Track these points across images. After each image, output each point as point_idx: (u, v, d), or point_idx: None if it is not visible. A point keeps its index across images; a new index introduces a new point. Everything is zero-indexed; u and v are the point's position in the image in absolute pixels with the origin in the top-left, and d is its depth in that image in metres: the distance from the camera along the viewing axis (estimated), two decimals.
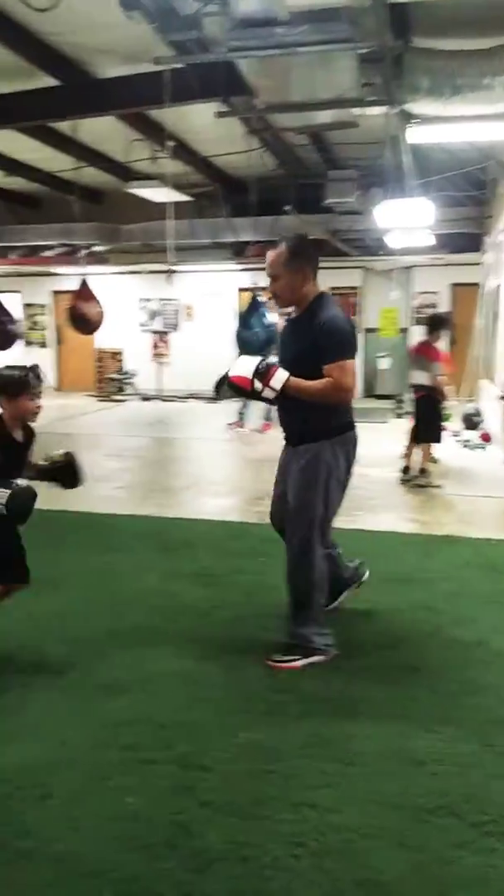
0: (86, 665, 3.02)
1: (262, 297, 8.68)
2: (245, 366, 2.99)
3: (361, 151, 8.29)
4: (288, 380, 2.93)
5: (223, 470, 7.52)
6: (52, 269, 13.53)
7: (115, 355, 14.93)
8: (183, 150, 8.28)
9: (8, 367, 2.94)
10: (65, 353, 15.35)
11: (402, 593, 3.84)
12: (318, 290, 3.05)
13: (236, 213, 10.39)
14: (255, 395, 3.01)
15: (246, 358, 3.09)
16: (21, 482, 2.74)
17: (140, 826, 2.10)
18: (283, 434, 3.21)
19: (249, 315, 9.15)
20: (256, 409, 9.30)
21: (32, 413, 2.90)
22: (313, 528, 3.01)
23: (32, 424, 2.98)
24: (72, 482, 3.09)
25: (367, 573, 3.59)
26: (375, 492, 6.15)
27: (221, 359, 9.90)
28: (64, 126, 7.55)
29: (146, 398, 13.70)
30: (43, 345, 15.47)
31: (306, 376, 2.91)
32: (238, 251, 11.24)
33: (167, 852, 1.99)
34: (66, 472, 3.06)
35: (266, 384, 2.93)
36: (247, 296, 12.45)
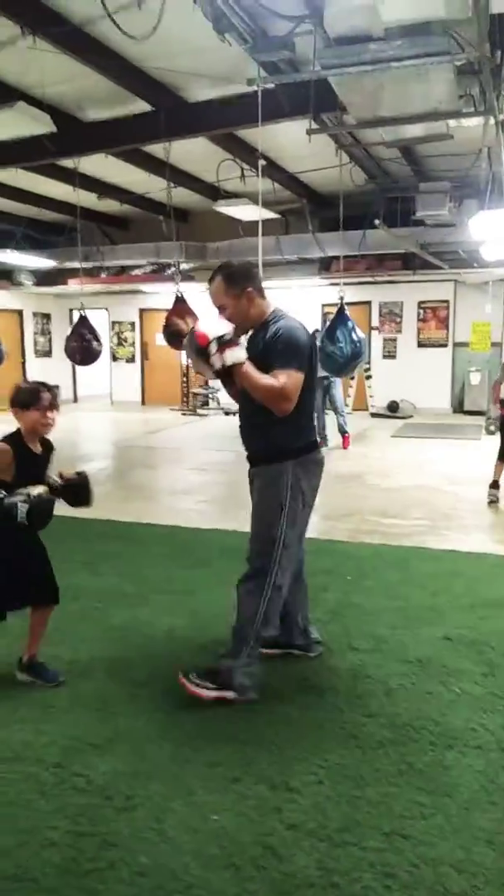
0: (167, 679, 3.01)
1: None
2: (215, 327, 2.75)
3: (454, 163, 8.15)
4: (242, 363, 2.69)
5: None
6: (140, 288, 13.89)
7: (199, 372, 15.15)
8: (271, 168, 8.36)
9: (25, 382, 3.03)
10: (150, 368, 15.70)
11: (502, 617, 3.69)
12: (270, 308, 2.89)
13: (323, 229, 10.40)
14: (203, 357, 2.71)
15: (222, 322, 2.80)
16: (37, 490, 2.76)
17: (226, 844, 2.08)
18: (246, 452, 3.01)
19: (335, 328, 9.09)
20: (334, 425, 9.24)
21: (43, 426, 2.94)
22: (273, 554, 2.81)
23: (50, 438, 3.06)
24: (81, 502, 3.08)
25: (319, 651, 3.26)
26: (465, 511, 5.97)
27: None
28: (156, 149, 7.77)
29: (229, 413, 13.83)
30: (129, 360, 15.88)
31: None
32: (324, 266, 11.23)
33: (255, 873, 1.96)
34: (77, 492, 3.05)
35: (220, 353, 2.69)
36: (331, 311, 12.44)
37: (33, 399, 2.88)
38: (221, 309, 2.86)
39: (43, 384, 2.98)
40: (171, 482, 7.27)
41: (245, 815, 2.20)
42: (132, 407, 15.15)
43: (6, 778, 2.39)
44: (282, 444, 2.83)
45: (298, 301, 13.33)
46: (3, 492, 2.73)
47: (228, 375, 2.77)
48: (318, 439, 3.07)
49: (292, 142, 7.70)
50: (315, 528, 5.51)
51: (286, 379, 2.68)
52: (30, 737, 2.63)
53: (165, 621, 3.66)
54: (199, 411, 14.12)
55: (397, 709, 2.79)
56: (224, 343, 2.70)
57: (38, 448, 2.98)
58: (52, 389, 2.95)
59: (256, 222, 9.68)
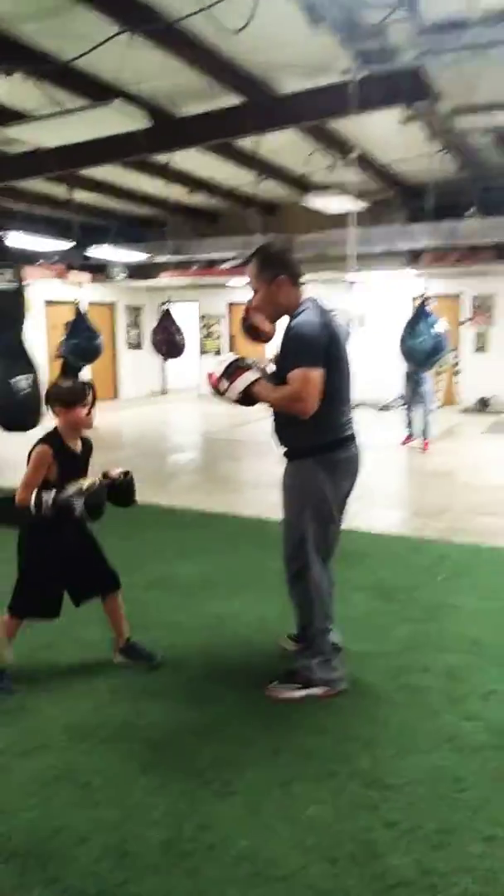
0: (260, 670, 3.05)
1: (431, 305, 8.42)
2: (223, 363, 2.81)
3: None
4: (253, 384, 2.72)
5: (394, 482, 7.38)
6: (228, 281, 14.01)
7: None
8: (360, 158, 8.24)
9: (62, 380, 3.06)
10: None
11: None
12: (300, 298, 2.78)
13: (413, 219, 10.20)
14: (220, 395, 2.80)
15: (229, 355, 2.88)
16: (87, 483, 2.82)
17: (323, 837, 2.10)
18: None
19: (416, 322, 8.90)
20: (419, 422, 9.03)
21: (86, 424, 2.97)
22: (307, 549, 2.79)
23: (88, 434, 3.07)
24: (123, 502, 3.09)
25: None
26: None
27: (392, 368, 9.76)
28: (246, 142, 7.81)
29: None
30: (217, 353, 16.05)
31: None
32: (414, 258, 11.01)
33: (352, 868, 1.97)
34: (119, 492, 3.04)
35: (231, 384, 2.75)
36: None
37: (78, 397, 2.92)
38: (254, 293, 2.83)
39: (83, 382, 3.04)
40: (257, 475, 7.32)
41: (341, 809, 2.21)
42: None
43: (109, 756, 2.49)
44: (304, 441, 2.78)
45: (387, 294, 13.14)
46: (52, 491, 2.79)
47: (249, 398, 2.78)
48: (354, 432, 2.90)
49: (382, 131, 7.58)
50: (406, 525, 5.46)
51: (298, 379, 2.60)
52: (131, 717, 2.73)
53: (257, 612, 3.71)
54: None
55: (496, 713, 2.73)
56: (231, 373, 2.76)
57: (77, 446, 3.00)
58: (91, 387, 3.01)
59: (344, 214, 9.61)
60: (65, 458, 2.90)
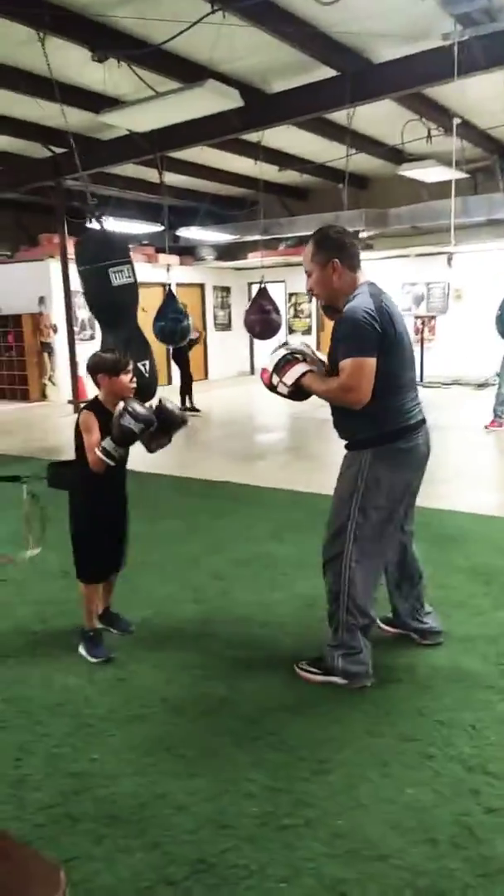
0: None
1: None
2: (274, 357, 2.80)
3: None
4: (303, 376, 2.69)
5: (488, 464, 7.14)
6: None
7: None
8: (461, 125, 7.94)
9: (105, 351, 3.11)
10: (326, 340, 15.66)
11: None
12: (355, 283, 2.66)
13: None
14: (274, 391, 2.81)
15: (280, 349, 2.84)
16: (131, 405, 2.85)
17: (422, 819, 2.07)
18: None
19: None
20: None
21: (129, 390, 3.01)
22: (347, 543, 2.69)
23: None
24: (169, 428, 3.08)
25: (436, 640, 3.08)
26: None
27: (491, 343, 9.40)
28: (338, 115, 7.66)
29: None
30: (306, 332, 15.96)
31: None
32: None
33: (452, 851, 1.94)
34: (164, 420, 3.04)
35: (281, 379, 2.74)
36: None
37: (122, 366, 3.01)
38: (308, 275, 2.77)
39: (124, 352, 3.09)
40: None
41: (440, 793, 2.17)
42: None
43: (205, 729, 2.54)
44: (359, 431, 2.71)
45: (488, 265, 12.64)
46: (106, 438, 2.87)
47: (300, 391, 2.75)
48: (421, 419, 2.76)
49: (484, 96, 7.28)
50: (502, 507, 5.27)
51: (349, 368, 2.54)
52: (225, 693, 2.77)
53: None
54: None
55: None
56: (281, 367, 2.74)
57: None
58: (126, 355, 3.07)
59: (441, 184, 9.29)
60: (109, 423, 2.96)
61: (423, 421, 2.77)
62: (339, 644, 2.77)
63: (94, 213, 5.81)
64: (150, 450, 3.11)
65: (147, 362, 5.64)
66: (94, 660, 3.06)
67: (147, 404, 2.96)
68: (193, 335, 10.58)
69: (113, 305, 5.68)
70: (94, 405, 3.05)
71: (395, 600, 3.09)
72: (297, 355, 2.79)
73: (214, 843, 2.01)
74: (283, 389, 2.77)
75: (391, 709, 2.62)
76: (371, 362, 2.53)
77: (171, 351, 10.74)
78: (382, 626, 3.18)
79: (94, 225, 5.92)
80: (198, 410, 10.51)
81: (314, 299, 12.33)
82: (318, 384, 2.70)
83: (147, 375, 5.61)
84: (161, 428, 3.03)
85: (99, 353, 3.13)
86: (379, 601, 2.92)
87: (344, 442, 2.82)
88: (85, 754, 2.41)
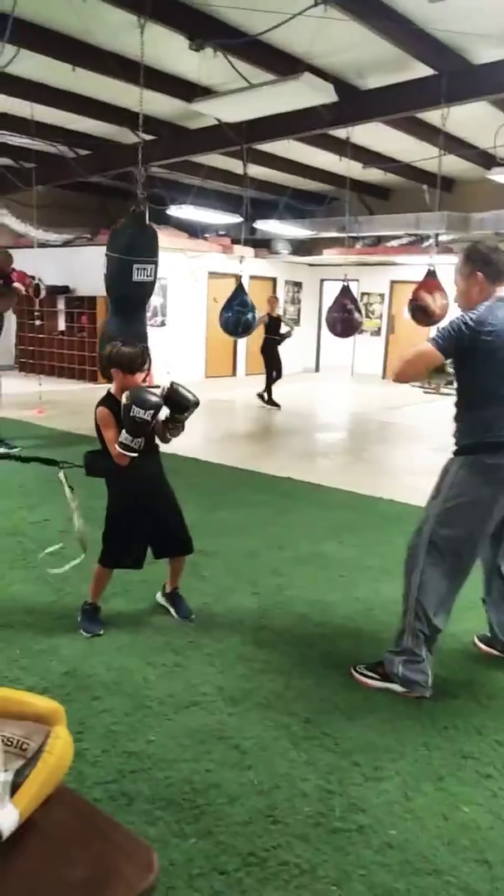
0: None
1: None
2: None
3: None
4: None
5: None
6: (393, 259, 13.68)
7: None
8: None
9: (125, 346, 3.05)
10: (395, 342, 15.48)
11: None
12: (491, 295, 2.68)
13: None
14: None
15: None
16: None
17: (477, 839, 2.03)
18: None
19: None
20: None
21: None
22: (421, 544, 2.69)
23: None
24: (181, 408, 3.06)
25: None
26: None
27: None
28: (430, 115, 7.52)
29: None
30: (375, 333, 15.79)
31: (461, 384, 2.72)
32: None
33: None
34: (174, 401, 3.04)
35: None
36: None
37: (137, 365, 3.01)
38: (456, 286, 2.84)
39: (143, 348, 3.07)
40: (410, 461, 7.15)
41: (496, 813, 2.13)
42: (372, 380, 15.11)
43: (260, 723, 2.55)
44: (458, 438, 2.75)
45: None
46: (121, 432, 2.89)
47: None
48: None
49: None
50: None
51: (416, 347, 2.68)
52: (281, 689, 2.77)
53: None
54: (443, 390, 13.67)
55: None
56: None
57: None
58: (147, 353, 3.06)
59: None
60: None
61: None
62: (402, 650, 2.74)
63: (139, 206, 5.99)
64: (165, 440, 3.13)
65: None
66: (86, 634, 3.13)
67: (156, 387, 2.99)
68: (284, 329, 10.56)
69: (126, 298, 6.00)
70: (108, 399, 3.06)
71: (492, 619, 3.02)
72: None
73: (266, 838, 2.02)
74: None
75: (449, 724, 2.58)
76: (435, 354, 2.61)
77: (263, 342, 10.69)
78: (479, 643, 3.14)
79: (136, 217, 6.07)
80: (277, 405, 10.50)
81: (386, 301, 12.16)
82: (403, 354, 2.79)
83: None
84: (174, 411, 3.04)
85: (119, 345, 3.10)
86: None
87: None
88: (143, 735, 2.45)
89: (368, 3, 5.23)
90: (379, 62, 6.40)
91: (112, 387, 3.10)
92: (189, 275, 13.33)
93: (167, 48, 6.17)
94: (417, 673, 2.72)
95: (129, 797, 2.15)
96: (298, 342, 16.26)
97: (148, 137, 8.97)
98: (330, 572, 4.02)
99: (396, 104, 6.83)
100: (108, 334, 5.64)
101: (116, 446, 2.90)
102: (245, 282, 10.31)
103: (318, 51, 5.98)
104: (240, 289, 8.86)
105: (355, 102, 6.98)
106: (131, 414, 2.81)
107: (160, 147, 9.13)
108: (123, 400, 2.86)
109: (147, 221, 6.18)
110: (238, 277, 9.88)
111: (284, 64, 6.21)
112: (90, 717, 2.55)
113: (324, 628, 3.33)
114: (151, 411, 2.83)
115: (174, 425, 3.10)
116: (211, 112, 6.91)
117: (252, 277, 14.12)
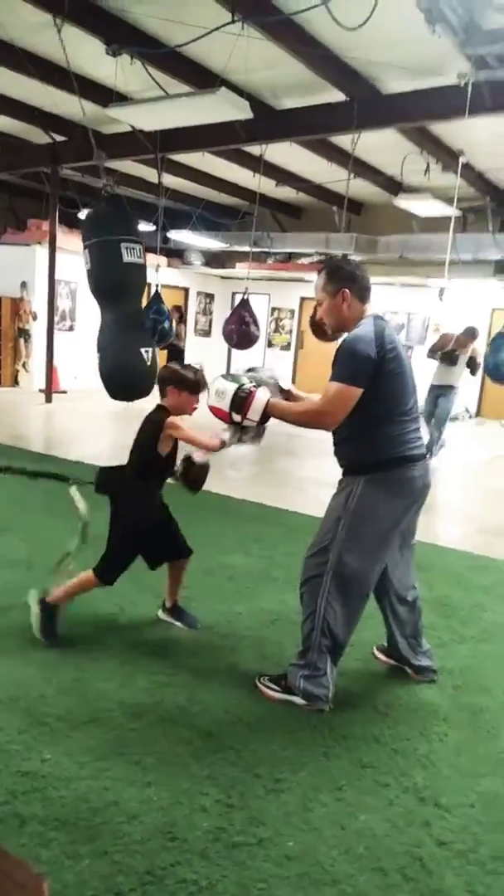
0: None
1: None
2: (223, 393, 2.72)
3: None
4: (269, 405, 2.67)
5: (457, 497, 7.24)
6: (303, 276, 13.96)
7: None
8: (457, 163, 8.09)
9: (187, 366, 3.14)
10: (304, 357, 15.78)
11: None
12: (364, 313, 2.69)
13: None
14: (240, 430, 2.78)
15: (222, 381, 2.76)
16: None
17: (373, 847, 2.07)
18: None
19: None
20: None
21: (191, 412, 3.10)
22: (327, 565, 2.67)
23: None
24: (193, 486, 3.13)
25: (429, 678, 3.04)
26: None
27: (467, 380, 9.53)
28: (342, 139, 7.76)
29: None
30: (284, 347, 16.04)
31: (360, 404, 2.56)
32: (501, 269, 10.77)
33: (402, 883, 1.94)
34: (195, 477, 3.11)
35: (244, 415, 2.70)
36: (502, 316, 11.93)
37: (201, 388, 3.07)
38: (319, 304, 2.80)
39: (202, 374, 3.12)
40: (318, 473, 7.28)
41: (393, 822, 2.18)
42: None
43: (162, 738, 2.51)
44: (355, 457, 2.72)
45: (467, 303, 12.89)
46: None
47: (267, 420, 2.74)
48: (421, 453, 2.74)
49: (486, 137, 7.43)
50: (470, 542, 5.34)
51: (330, 393, 2.54)
52: (184, 702, 2.74)
53: None
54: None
55: None
56: (240, 405, 2.70)
57: None
58: (204, 376, 3.12)
59: (433, 219, 9.46)
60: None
61: (423, 455, 2.76)
62: (306, 664, 2.76)
63: (107, 189, 5.64)
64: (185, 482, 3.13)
65: (150, 349, 5.54)
66: (42, 638, 3.07)
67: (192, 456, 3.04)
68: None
69: (121, 286, 5.37)
70: (163, 410, 3.08)
71: (392, 632, 3.03)
72: (249, 386, 2.74)
73: (165, 856, 1.98)
74: (249, 425, 2.75)
75: (348, 733, 2.63)
76: (355, 392, 2.53)
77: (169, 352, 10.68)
78: (377, 654, 3.19)
79: (111, 199, 5.70)
80: None
81: (296, 317, 12.33)
82: (285, 410, 2.70)
83: (149, 363, 5.50)
84: (187, 483, 3.11)
85: (180, 368, 3.13)
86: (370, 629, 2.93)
87: (342, 468, 2.81)
88: (37, 753, 2.36)
89: (286, 26, 5.34)
90: (294, 84, 6.55)
91: (166, 401, 3.11)
92: None
93: (84, 51, 6.09)
94: (318, 687, 2.75)
95: (22, 819, 2.06)
96: (209, 354, 16.33)
97: (60, 138, 8.81)
98: (236, 583, 4.03)
99: (309, 126, 7.00)
100: (103, 343, 5.08)
101: (220, 432, 2.86)
102: (158, 290, 10.24)
103: (234, 67, 6.04)
104: (156, 297, 8.80)
105: (269, 121, 7.11)
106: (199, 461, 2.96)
107: (73, 149, 8.97)
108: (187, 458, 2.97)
109: (120, 202, 5.75)
110: (152, 286, 9.80)
111: (201, 77, 6.25)
112: None
113: (229, 640, 3.32)
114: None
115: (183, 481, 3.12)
116: (126, 119, 6.85)
117: (164, 286, 14.04)
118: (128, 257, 5.11)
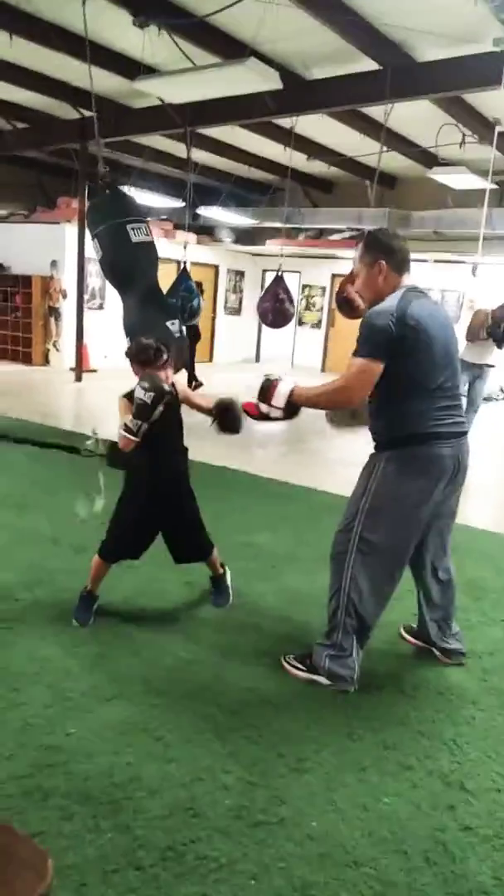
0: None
1: None
2: (252, 388, 2.77)
3: None
4: (293, 393, 2.65)
5: (494, 478, 7.11)
6: (335, 253, 13.76)
7: None
8: (493, 134, 7.84)
9: (145, 339, 3.03)
10: (334, 335, 15.60)
11: None
12: (399, 286, 2.62)
13: None
14: (267, 419, 2.75)
15: (254, 380, 2.81)
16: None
17: (396, 830, 2.05)
18: None
19: None
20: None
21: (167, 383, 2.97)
22: (352, 542, 2.64)
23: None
24: (231, 427, 3.10)
25: (457, 661, 2.99)
26: None
27: (500, 359, 9.32)
28: (375, 110, 7.56)
29: None
30: (315, 325, 15.88)
31: (386, 379, 2.52)
32: None
33: (425, 867, 1.92)
34: (226, 417, 3.09)
35: (269, 403, 2.69)
36: None
37: (154, 358, 2.96)
38: (357, 276, 2.73)
39: (158, 341, 3.02)
40: (346, 453, 7.21)
41: (417, 805, 2.15)
42: (312, 372, 15.18)
43: (185, 715, 2.50)
44: (381, 433, 2.68)
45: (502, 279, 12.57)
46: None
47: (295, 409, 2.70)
48: (452, 431, 2.64)
49: None
50: (502, 523, 5.24)
51: (351, 368, 2.53)
52: (208, 680, 2.74)
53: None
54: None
55: None
56: (264, 393, 2.70)
57: None
58: (163, 347, 3.01)
59: (468, 193, 9.21)
60: None
61: (459, 434, 2.66)
62: (331, 644, 2.73)
63: (104, 180, 5.62)
64: (220, 431, 3.14)
65: (176, 322, 5.50)
66: (75, 622, 3.07)
67: (166, 378, 2.93)
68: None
69: (131, 267, 5.38)
70: (132, 393, 2.97)
71: (423, 613, 3.00)
72: (274, 378, 2.76)
73: (185, 832, 1.98)
74: (276, 413, 2.73)
75: (372, 715, 2.60)
76: (375, 367, 2.50)
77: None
78: (405, 635, 3.16)
79: (108, 186, 5.70)
80: (201, 383, 10.57)
81: (327, 294, 12.17)
82: (308, 394, 2.68)
83: (177, 335, 5.46)
84: (222, 426, 3.10)
85: (138, 340, 3.06)
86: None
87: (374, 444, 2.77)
88: (61, 728, 2.38)
89: None
90: (325, 53, 6.38)
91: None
92: None
93: (110, 23, 5.99)
94: (343, 668, 2.72)
95: (45, 792, 2.08)
96: (239, 332, 16.24)
97: (88, 114, 8.74)
98: (262, 563, 4.01)
99: (341, 96, 6.82)
100: (128, 326, 5.11)
101: (121, 429, 2.84)
102: (187, 268, 10.18)
103: (264, 37, 5.90)
104: (184, 274, 8.75)
105: (300, 92, 6.94)
106: (136, 395, 2.79)
107: (101, 125, 8.88)
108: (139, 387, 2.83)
109: (118, 188, 5.80)
110: (181, 263, 9.73)
111: (230, 47, 6.12)
112: (7, 709, 2.45)
113: (254, 619, 3.31)
114: (151, 394, 2.76)
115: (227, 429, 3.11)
116: (154, 91, 6.75)
117: (194, 264, 13.96)
118: (136, 237, 5.14)
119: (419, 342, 2.53)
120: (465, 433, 2.70)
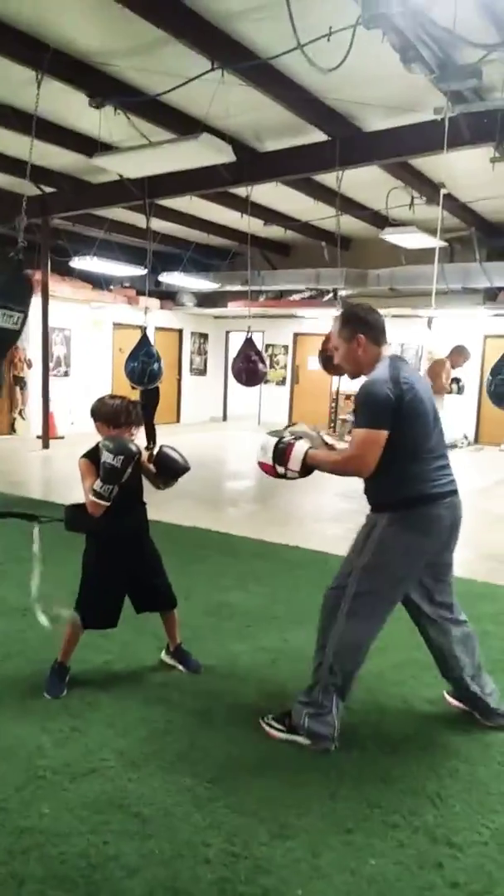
0: None
1: None
2: (266, 448, 2.80)
3: None
4: (307, 455, 2.71)
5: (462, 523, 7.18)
6: (296, 312, 14.10)
7: (349, 398, 15.11)
8: (440, 196, 8.21)
9: (111, 398, 3.06)
10: (299, 392, 15.84)
11: None
12: (381, 356, 2.71)
13: (491, 258, 10.10)
14: (284, 477, 2.80)
15: (266, 437, 2.84)
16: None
17: (384, 892, 1.99)
18: None
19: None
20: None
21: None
22: (344, 600, 2.67)
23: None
24: (169, 472, 3.15)
25: (498, 722, 2.89)
26: None
27: (464, 407, 9.56)
28: (326, 177, 7.89)
29: None
30: (280, 383, 16.10)
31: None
32: (490, 297, 10.88)
33: None
34: (163, 466, 3.13)
35: (286, 465, 2.75)
36: (494, 343, 12.02)
37: (121, 419, 2.98)
38: (335, 350, 2.84)
39: (131, 402, 3.05)
40: (317, 508, 7.25)
41: (404, 864, 2.10)
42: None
43: (162, 787, 2.43)
44: (379, 495, 2.73)
45: (459, 331, 12.96)
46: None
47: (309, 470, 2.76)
48: (447, 490, 2.71)
49: (467, 169, 7.56)
50: (472, 569, 5.27)
51: (357, 439, 2.58)
52: (185, 749, 2.67)
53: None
54: (346, 437, 14.04)
55: None
56: (280, 455, 2.74)
57: None
58: (136, 407, 3.04)
59: (420, 250, 9.58)
60: None
61: (452, 493, 2.73)
62: (310, 701, 2.70)
63: (17, 254, 5.93)
64: (158, 486, 3.18)
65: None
66: (47, 696, 2.99)
67: (131, 440, 2.95)
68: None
69: None
70: (93, 451, 2.95)
71: (448, 676, 2.96)
72: (289, 438, 2.79)
73: None
74: (292, 475, 2.78)
75: (353, 773, 2.55)
76: (381, 434, 2.56)
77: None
78: (448, 698, 3.09)
79: (9, 263, 6.05)
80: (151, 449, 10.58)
81: (290, 352, 12.47)
82: (322, 459, 2.72)
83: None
84: (163, 474, 3.13)
85: (105, 398, 3.07)
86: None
87: (369, 506, 2.80)
88: (36, 808, 2.29)
89: (265, 72, 5.47)
90: (276, 126, 6.69)
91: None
92: (93, 325, 13.24)
93: (68, 104, 6.22)
94: (323, 726, 2.68)
95: (20, 879, 1.99)
96: (205, 392, 16.40)
97: (48, 190, 8.98)
98: (236, 622, 3.96)
99: (293, 166, 7.13)
100: None
101: (90, 494, 2.82)
102: (151, 333, 10.34)
103: (216, 112, 6.17)
104: (145, 339, 8.94)
105: (253, 163, 7.24)
106: (103, 460, 2.77)
107: (61, 200, 9.14)
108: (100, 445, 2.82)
109: (24, 270, 6.09)
110: (143, 328, 9.90)
111: (183, 124, 6.38)
112: None
113: (230, 681, 3.25)
114: (122, 457, 2.77)
115: (164, 482, 3.13)
116: (112, 167, 6.98)
117: (158, 329, 14.18)
118: (2, 322, 5.75)
119: (414, 406, 2.61)
120: (457, 491, 2.77)
